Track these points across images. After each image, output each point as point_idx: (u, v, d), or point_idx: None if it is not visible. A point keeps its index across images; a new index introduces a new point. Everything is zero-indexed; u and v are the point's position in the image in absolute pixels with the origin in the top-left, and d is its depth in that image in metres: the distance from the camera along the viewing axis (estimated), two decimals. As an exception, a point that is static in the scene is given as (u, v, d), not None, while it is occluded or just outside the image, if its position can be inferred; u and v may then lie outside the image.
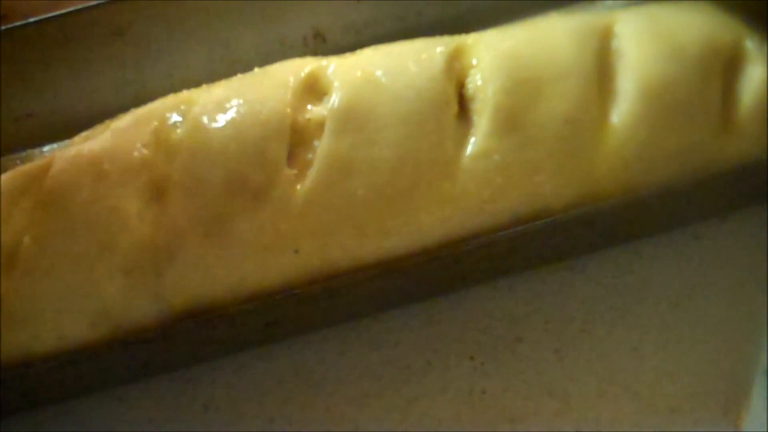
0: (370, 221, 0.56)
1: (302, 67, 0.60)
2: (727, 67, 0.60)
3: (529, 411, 0.58)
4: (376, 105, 0.57)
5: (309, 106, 0.58)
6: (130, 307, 0.55)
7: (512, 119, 0.57)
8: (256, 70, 0.61)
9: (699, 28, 0.61)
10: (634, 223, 0.60)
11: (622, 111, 0.58)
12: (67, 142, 0.60)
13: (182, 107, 0.58)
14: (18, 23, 0.65)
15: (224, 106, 0.57)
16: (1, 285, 0.54)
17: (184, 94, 0.60)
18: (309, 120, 0.57)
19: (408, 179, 0.56)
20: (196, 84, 0.61)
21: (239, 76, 0.61)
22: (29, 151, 0.67)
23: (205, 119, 0.57)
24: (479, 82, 0.58)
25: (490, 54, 0.59)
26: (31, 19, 0.65)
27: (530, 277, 0.61)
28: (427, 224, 0.56)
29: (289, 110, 0.57)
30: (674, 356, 0.59)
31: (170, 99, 0.60)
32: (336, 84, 0.58)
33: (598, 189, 0.58)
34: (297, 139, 0.57)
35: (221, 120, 0.57)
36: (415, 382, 0.59)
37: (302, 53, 0.62)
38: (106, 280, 0.55)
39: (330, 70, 0.59)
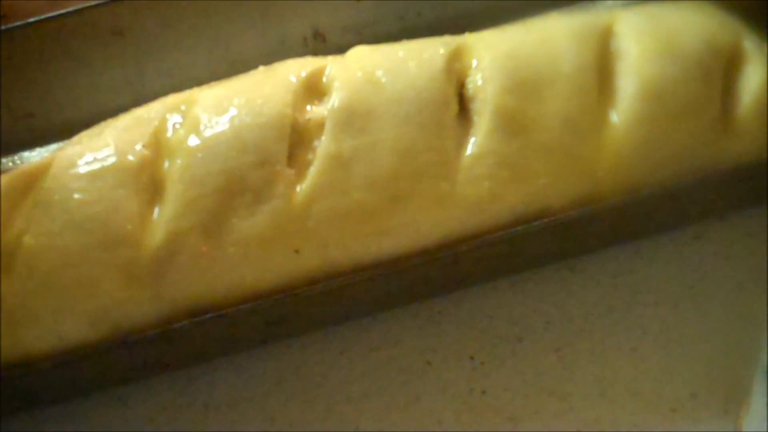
0: (370, 221, 0.56)
1: (303, 66, 0.60)
2: (727, 67, 0.60)
3: (529, 411, 0.57)
4: (376, 105, 0.57)
5: (309, 106, 0.58)
6: (130, 307, 0.55)
7: (512, 119, 0.57)
8: (258, 69, 0.61)
9: (699, 28, 0.61)
10: (634, 223, 0.60)
11: (622, 111, 0.58)
12: (67, 142, 0.59)
13: (182, 107, 0.58)
14: (18, 23, 0.65)
15: (225, 105, 0.57)
16: (1, 285, 0.54)
17: (184, 93, 0.60)
18: (309, 120, 0.57)
19: (408, 180, 0.56)
20: (196, 84, 0.61)
21: (240, 75, 0.61)
22: (29, 151, 0.68)
23: (205, 119, 0.57)
24: (479, 82, 0.58)
25: (490, 54, 0.59)
26: (31, 19, 0.65)
27: (530, 277, 0.61)
28: (426, 224, 0.56)
29: (289, 110, 0.57)
30: (674, 356, 0.59)
31: (170, 99, 0.60)
32: (336, 84, 0.58)
33: (598, 189, 0.58)
34: (297, 139, 0.57)
35: (221, 120, 0.57)
36: (415, 382, 0.59)
37: (302, 53, 0.62)
38: (106, 280, 0.55)
39: (330, 70, 0.59)
